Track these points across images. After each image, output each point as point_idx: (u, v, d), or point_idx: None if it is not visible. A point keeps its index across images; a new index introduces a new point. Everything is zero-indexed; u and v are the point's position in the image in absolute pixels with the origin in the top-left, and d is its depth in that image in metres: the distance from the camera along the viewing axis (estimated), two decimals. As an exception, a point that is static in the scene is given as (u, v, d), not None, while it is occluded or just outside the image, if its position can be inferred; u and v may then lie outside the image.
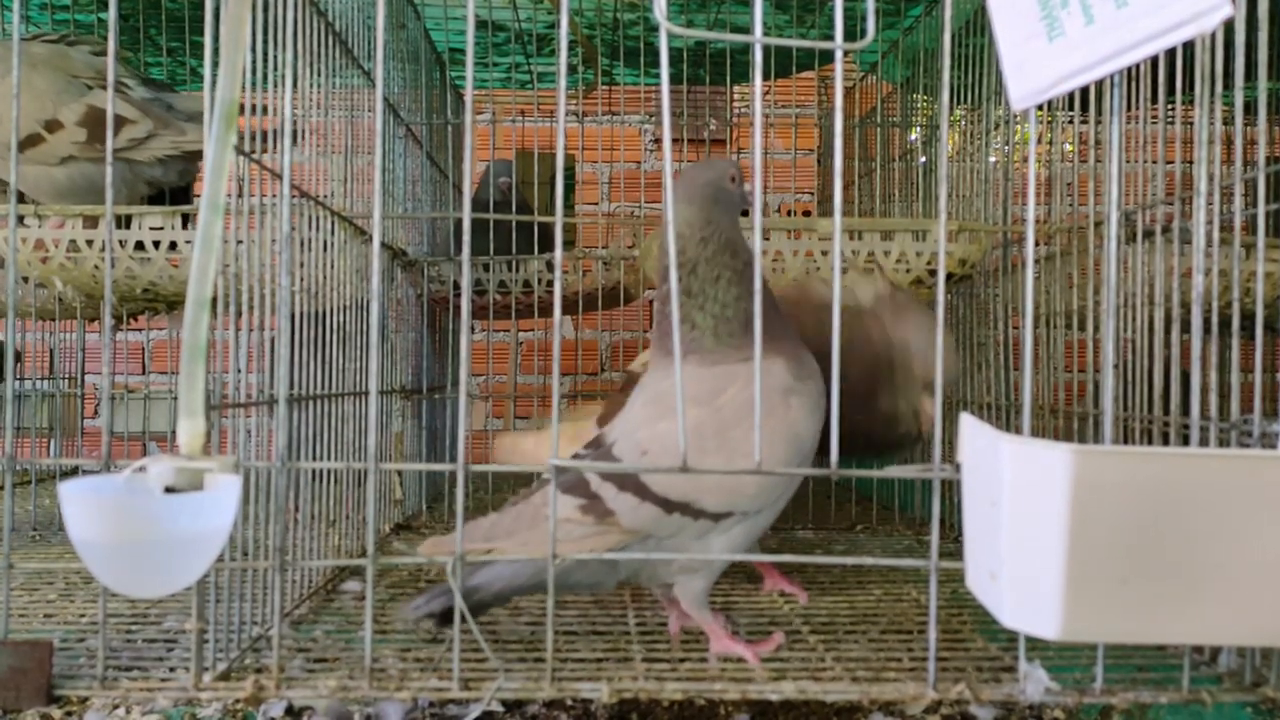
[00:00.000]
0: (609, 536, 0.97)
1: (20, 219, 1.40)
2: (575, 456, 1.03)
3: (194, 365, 0.80)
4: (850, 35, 0.83)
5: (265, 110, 1.00)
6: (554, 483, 0.89)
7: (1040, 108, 0.89)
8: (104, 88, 1.43)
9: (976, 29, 1.62)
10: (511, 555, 0.96)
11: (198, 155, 1.49)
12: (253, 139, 0.96)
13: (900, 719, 0.89)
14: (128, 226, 1.40)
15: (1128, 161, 1.14)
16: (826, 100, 2.30)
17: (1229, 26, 0.82)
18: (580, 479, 0.98)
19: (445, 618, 0.98)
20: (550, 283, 1.77)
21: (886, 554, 1.54)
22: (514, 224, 1.80)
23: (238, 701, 0.86)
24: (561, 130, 0.90)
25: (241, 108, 0.86)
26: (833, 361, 0.86)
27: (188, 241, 1.39)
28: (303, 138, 1.23)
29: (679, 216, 1.02)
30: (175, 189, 1.56)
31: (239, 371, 0.98)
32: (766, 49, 0.82)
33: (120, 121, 1.42)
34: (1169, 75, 1.01)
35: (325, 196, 1.28)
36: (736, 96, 2.60)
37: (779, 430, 0.97)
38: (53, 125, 1.43)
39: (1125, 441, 1.11)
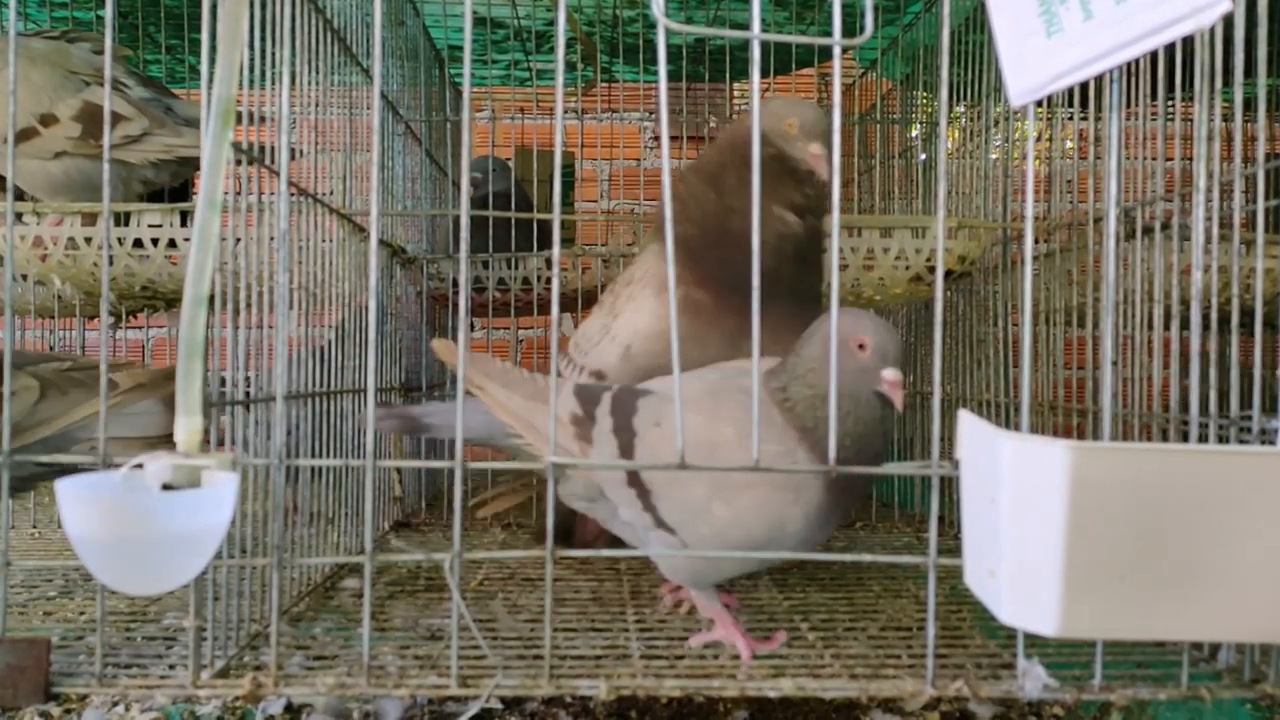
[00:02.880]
0: (575, 456, 0.97)
1: (18, 216, 1.40)
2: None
3: (191, 363, 0.80)
4: (849, 32, 0.83)
5: (264, 119, 1.00)
6: (551, 475, 0.89)
7: (1040, 104, 0.89)
8: (102, 84, 1.43)
9: (976, 25, 1.62)
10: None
11: (191, 161, 1.49)
12: (251, 149, 0.96)
13: (899, 716, 0.89)
14: (126, 224, 1.40)
15: (1127, 158, 1.14)
16: (826, 97, 2.29)
17: (1228, 22, 0.82)
18: (595, 394, 0.99)
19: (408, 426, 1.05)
20: (550, 280, 1.77)
21: (885, 551, 1.54)
22: (513, 221, 1.80)
23: (236, 699, 0.86)
24: (560, 127, 0.90)
25: (240, 115, 0.86)
26: (830, 354, 0.86)
27: (186, 239, 1.39)
28: (302, 155, 1.23)
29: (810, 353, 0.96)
30: (173, 188, 1.56)
31: (237, 369, 0.98)
32: (765, 46, 0.82)
33: (116, 118, 1.42)
34: (1169, 71, 1.01)
35: (324, 194, 1.28)
36: (736, 93, 2.60)
37: (768, 513, 0.93)
38: (48, 119, 1.42)
39: (1124, 438, 1.11)
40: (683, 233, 1.13)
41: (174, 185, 1.54)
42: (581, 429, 0.97)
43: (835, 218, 0.91)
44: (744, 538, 0.93)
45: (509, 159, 2.25)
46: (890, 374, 0.93)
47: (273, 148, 0.94)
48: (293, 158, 0.96)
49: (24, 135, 1.41)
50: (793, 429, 0.93)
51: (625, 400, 0.98)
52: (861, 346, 0.93)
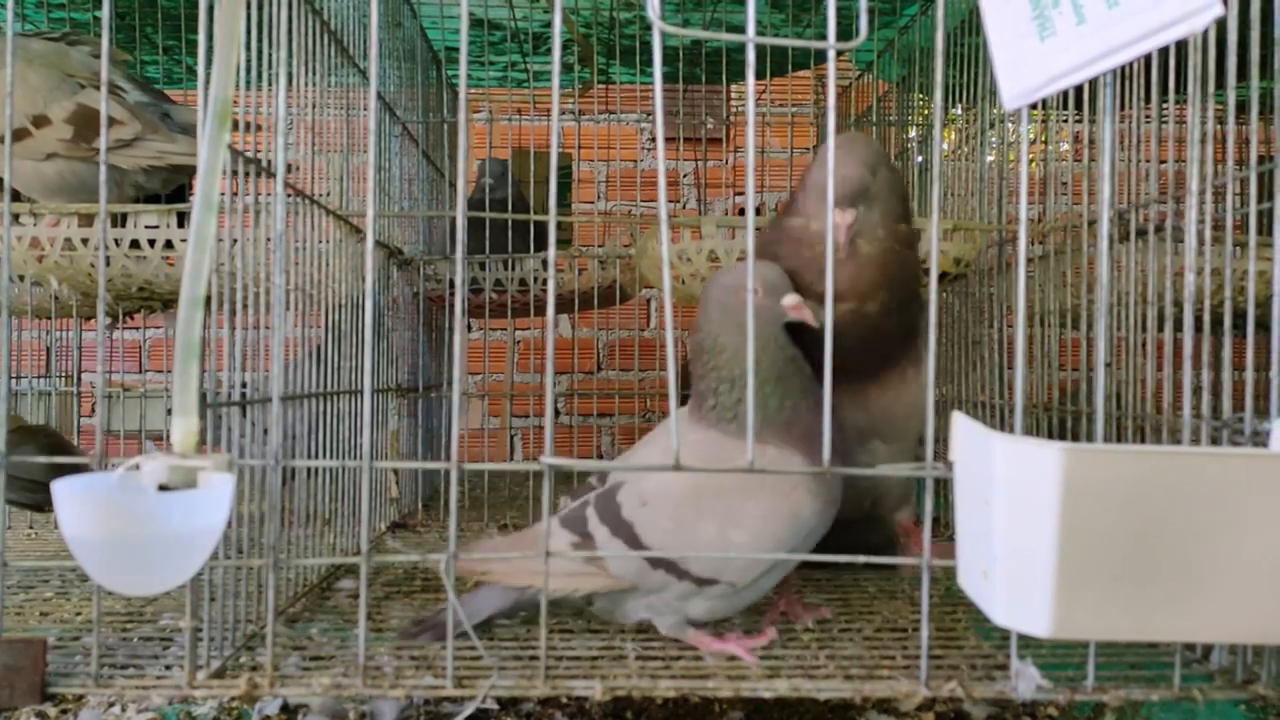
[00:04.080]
0: (596, 579, 0.98)
1: (15, 217, 1.40)
2: (581, 491, 1.05)
3: (188, 364, 0.80)
4: (845, 35, 0.84)
5: (260, 129, 1.00)
6: (548, 475, 0.89)
7: (1034, 107, 0.89)
8: (98, 88, 1.43)
9: (972, 28, 1.62)
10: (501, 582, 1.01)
11: (184, 169, 1.49)
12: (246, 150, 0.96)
13: (894, 716, 0.89)
14: (123, 225, 1.40)
15: (1121, 161, 1.14)
16: (822, 99, 2.30)
17: (1221, 25, 0.82)
18: (580, 515, 1.00)
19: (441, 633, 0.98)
20: (547, 281, 1.77)
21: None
22: (510, 222, 1.80)
23: (232, 699, 0.86)
24: (556, 129, 0.90)
25: (236, 123, 0.87)
26: (826, 354, 0.86)
27: (183, 240, 1.39)
28: (297, 170, 1.23)
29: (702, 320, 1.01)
30: (161, 195, 1.56)
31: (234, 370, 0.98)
32: (762, 48, 0.82)
33: (108, 122, 1.42)
34: (1162, 74, 1.02)
35: (321, 195, 1.28)
36: (733, 95, 2.60)
37: (781, 509, 0.96)
38: (40, 121, 1.42)
39: (1118, 440, 1.11)
40: None
41: (166, 192, 1.54)
42: (587, 545, 0.98)
43: (830, 218, 0.91)
44: (773, 542, 0.96)
45: (506, 160, 2.25)
46: (789, 299, 0.97)
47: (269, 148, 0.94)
48: (290, 171, 0.96)
49: (16, 136, 1.41)
50: (716, 433, 0.98)
51: (605, 503, 1.00)
52: (755, 292, 0.91)
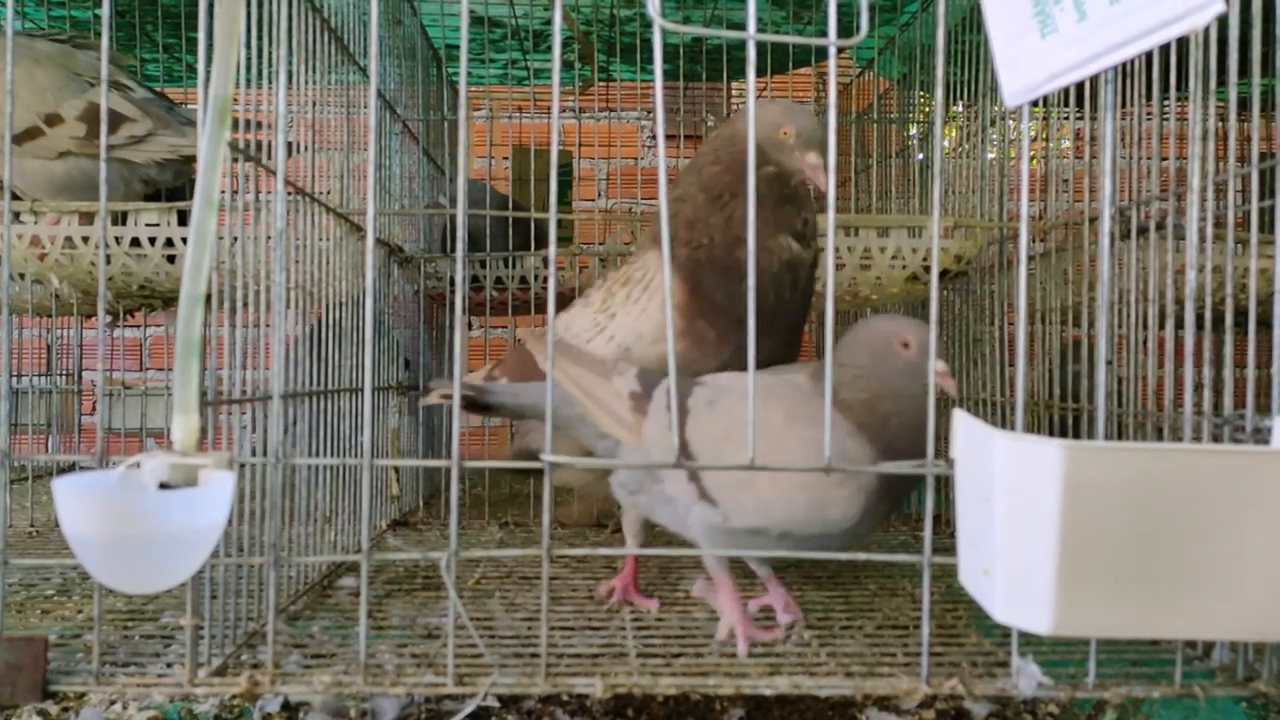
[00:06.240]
0: (629, 431, 1.02)
1: (16, 215, 1.40)
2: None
3: (188, 361, 0.80)
4: (845, 31, 0.84)
5: (261, 126, 1.00)
6: (547, 473, 0.89)
7: (1036, 104, 0.89)
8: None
9: (972, 25, 1.62)
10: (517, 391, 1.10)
11: (195, 160, 1.50)
12: (247, 147, 0.96)
13: (895, 714, 0.89)
14: (124, 223, 1.40)
15: (1123, 158, 1.14)
16: (823, 96, 2.29)
17: (1222, 22, 0.82)
18: (655, 378, 1.04)
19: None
20: (547, 279, 1.77)
21: (882, 549, 1.54)
22: (510, 220, 1.80)
23: (233, 697, 0.86)
24: (556, 126, 0.90)
25: (237, 122, 0.87)
26: (827, 354, 0.86)
27: (184, 238, 1.39)
28: (299, 152, 1.23)
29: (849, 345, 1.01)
30: (171, 187, 1.56)
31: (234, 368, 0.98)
32: (762, 45, 0.82)
33: (120, 119, 1.42)
34: (1164, 71, 1.02)
35: (322, 193, 1.28)
36: (734, 93, 2.60)
37: (814, 490, 0.96)
38: (52, 119, 1.43)
39: (1119, 437, 1.11)
40: (689, 257, 1.13)
41: (175, 185, 1.54)
42: (638, 404, 1.03)
43: (831, 217, 0.91)
44: (785, 514, 0.96)
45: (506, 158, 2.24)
46: (941, 365, 0.97)
47: (269, 145, 0.94)
48: (290, 155, 0.96)
49: (28, 135, 1.42)
50: (848, 421, 0.98)
51: (681, 385, 1.03)
52: (906, 345, 0.98)
